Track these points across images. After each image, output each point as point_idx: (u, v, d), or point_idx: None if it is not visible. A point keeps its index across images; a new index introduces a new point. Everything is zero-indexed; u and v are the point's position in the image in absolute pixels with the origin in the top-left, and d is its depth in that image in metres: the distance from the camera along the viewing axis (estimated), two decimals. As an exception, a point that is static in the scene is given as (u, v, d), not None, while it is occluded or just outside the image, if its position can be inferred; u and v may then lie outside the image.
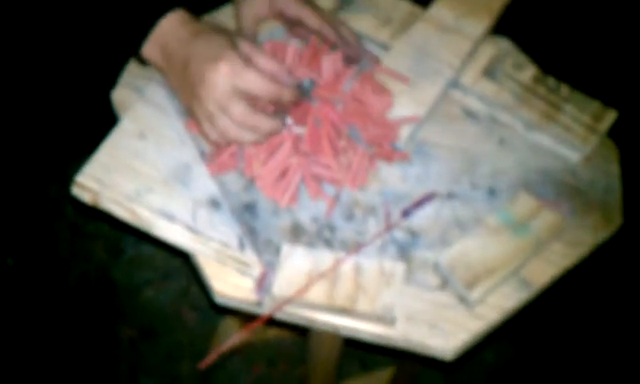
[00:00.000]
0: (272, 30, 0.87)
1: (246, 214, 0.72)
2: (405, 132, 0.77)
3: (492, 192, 0.75)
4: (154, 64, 0.74)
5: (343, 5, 0.90)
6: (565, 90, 0.81)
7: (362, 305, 0.64)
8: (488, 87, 0.82)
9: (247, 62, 0.69)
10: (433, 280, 0.69)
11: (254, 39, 0.84)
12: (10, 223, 1.53)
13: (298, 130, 0.75)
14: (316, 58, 0.80)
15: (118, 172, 0.70)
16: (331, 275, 0.66)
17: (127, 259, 1.53)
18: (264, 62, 0.71)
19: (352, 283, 0.65)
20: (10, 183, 1.55)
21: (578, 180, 0.76)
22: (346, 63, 0.81)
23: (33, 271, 1.48)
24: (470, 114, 0.82)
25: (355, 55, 0.82)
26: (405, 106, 0.79)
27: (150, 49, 0.73)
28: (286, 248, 0.68)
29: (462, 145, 0.79)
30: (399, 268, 0.66)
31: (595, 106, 0.79)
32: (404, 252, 0.70)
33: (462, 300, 0.67)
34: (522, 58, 0.84)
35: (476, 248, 0.68)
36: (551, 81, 0.81)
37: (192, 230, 0.68)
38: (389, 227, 0.72)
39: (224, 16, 0.90)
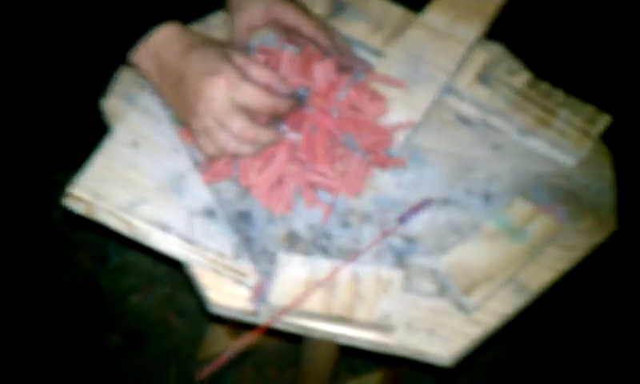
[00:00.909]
0: (263, 37, 0.87)
1: (241, 222, 0.72)
2: (400, 138, 0.77)
3: (487, 197, 0.75)
4: (144, 74, 0.74)
5: (336, 11, 0.90)
6: (558, 94, 0.81)
7: (360, 313, 0.64)
8: (482, 93, 0.82)
9: (243, 74, 0.68)
10: (430, 287, 0.68)
11: (245, 48, 0.83)
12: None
13: (293, 136, 0.75)
14: (309, 65, 0.80)
15: (111, 182, 0.69)
16: (328, 284, 0.66)
17: (113, 266, 1.52)
18: (259, 73, 0.71)
19: (349, 291, 0.65)
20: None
21: (573, 184, 0.77)
22: (339, 71, 0.81)
23: (19, 279, 1.46)
24: (463, 120, 0.82)
25: (348, 63, 0.82)
26: (399, 112, 0.79)
27: (141, 58, 0.72)
28: (282, 256, 0.67)
29: (456, 150, 0.79)
30: (397, 275, 0.66)
31: (589, 110, 0.80)
32: (401, 259, 0.70)
33: (460, 306, 0.67)
34: (515, 63, 0.85)
35: (473, 254, 0.68)
36: (545, 86, 0.82)
37: (187, 239, 0.67)
38: (385, 234, 0.71)
39: (216, 20, 0.90)
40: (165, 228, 0.67)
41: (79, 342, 1.40)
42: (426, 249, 0.71)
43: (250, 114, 0.69)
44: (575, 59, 1.80)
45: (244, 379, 1.37)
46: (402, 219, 0.72)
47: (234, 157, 0.73)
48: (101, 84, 0.82)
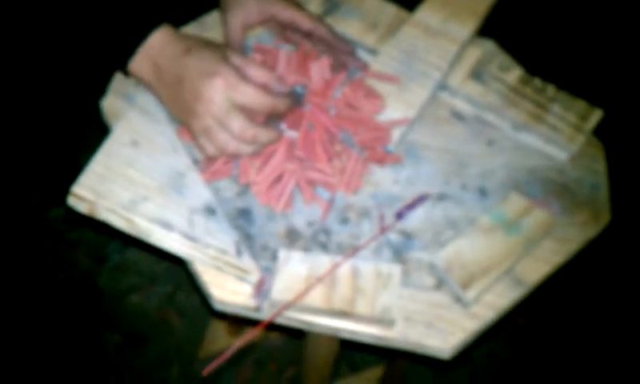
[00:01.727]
0: (259, 35, 0.88)
1: (242, 220, 0.73)
2: (396, 134, 0.78)
3: (482, 192, 0.77)
4: (142, 79, 0.74)
5: (330, 9, 0.90)
6: (551, 90, 0.82)
7: (361, 307, 0.65)
8: (475, 89, 0.83)
9: (240, 75, 0.69)
10: (428, 281, 0.70)
11: (242, 49, 0.84)
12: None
13: (292, 134, 0.76)
14: (305, 63, 0.81)
15: (113, 181, 0.70)
16: (329, 279, 0.67)
17: (112, 265, 1.53)
18: (256, 73, 0.72)
19: (350, 286, 0.66)
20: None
21: (566, 178, 0.78)
22: (334, 69, 0.82)
23: (16, 279, 1.46)
24: (458, 116, 0.83)
25: (347, 55, 0.82)
26: (395, 108, 0.80)
27: (139, 65, 0.72)
28: (283, 253, 0.68)
29: (451, 146, 0.80)
30: (396, 270, 0.67)
31: (581, 105, 0.81)
32: (399, 254, 0.71)
33: (458, 300, 0.68)
34: (507, 59, 0.86)
35: (470, 248, 0.69)
36: (537, 81, 0.83)
37: (189, 237, 0.68)
38: (383, 230, 0.72)
39: (212, 19, 0.90)
40: (166, 226, 0.68)
41: (79, 341, 1.40)
42: (424, 243, 0.72)
43: (248, 113, 0.70)
44: (565, 53, 1.82)
45: (245, 376, 1.38)
46: (400, 215, 0.74)
47: (234, 156, 0.73)
48: (97, 86, 0.82)
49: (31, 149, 1.54)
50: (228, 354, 0.63)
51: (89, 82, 0.85)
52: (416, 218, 0.74)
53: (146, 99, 0.78)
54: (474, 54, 0.86)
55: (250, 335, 0.65)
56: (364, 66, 0.83)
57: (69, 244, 1.53)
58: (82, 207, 0.68)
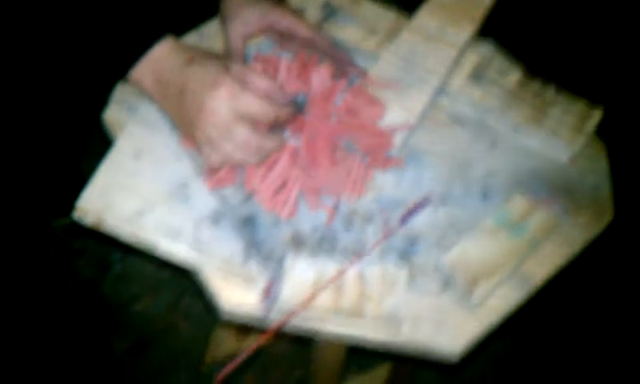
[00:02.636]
0: (259, 44, 0.88)
1: (247, 227, 0.73)
2: (398, 139, 0.79)
3: (485, 194, 0.77)
4: (145, 90, 0.74)
5: (328, 16, 0.91)
6: (550, 91, 0.83)
7: (368, 311, 0.65)
8: (475, 92, 0.84)
9: (243, 85, 0.69)
10: (434, 283, 0.70)
11: (242, 58, 0.85)
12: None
13: (295, 142, 0.76)
14: (305, 70, 0.81)
15: (118, 193, 0.70)
16: (336, 284, 0.67)
17: (115, 274, 1.53)
18: (258, 82, 0.72)
19: (357, 291, 0.67)
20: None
21: (568, 179, 0.79)
22: (335, 77, 0.82)
23: (21, 291, 1.46)
24: (458, 120, 0.84)
25: (345, 63, 0.83)
26: (396, 114, 0.80)
27: (141, 76, 0.73)
28: (289, 259, 0.69)
29: (452, 149, 0.81)
30: (402, 273, 0.68)
31: (581, 105, 0.82)
32: (404, 257, 0.72)
33: (464, 301, 0.68)
34: (506, 61, 0.87)
35: (475, 250, 0.70)
36: (536, 83, 0.84)
37: (196, 246, 0.68)
38: (387, 234, 0.73)
39: (211, 29, 0.91)
40: (173, 236, 0.69)
41: (87, 349, 1.41)
42: (428, 246, 0.73)
43: (252, 123, 0.71)
44: (567, 51, 1.83)
45: (250, 383, 1.38)
46: (404, 219, 0.74)
47: (239, 165, 0.74)
48: (100, 96, 0.82)
49: (35, 158, 1.54)
50: (242, 357, 0.63)
51: (91, 92, 0.85)
52: (420, 222, 0.75)
53: (147, 109, 0.79)
54: (473, 58, 0.86)
55: (262, 339, 0.66)
56: (362, 73, 0.84)
57: (74, 253, 1.53)
58: (87, 221, 0.68)
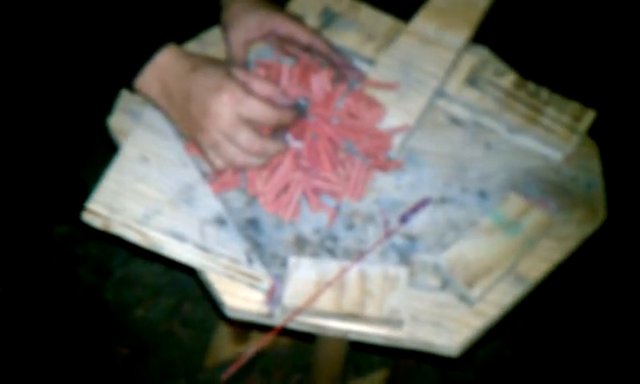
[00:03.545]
0: (259, 50, 0.90)
1: (251, 229, 0.75)
2: (396, 141, 0.81)
3: (482, 194, 0.79)
4: (149, 98, 0.76)
5: (327, 22, 0.93)
6: (544, 93, 0.85)
7: (370, 309, 0.67)
8: (471, 95, 0.86)
9: (246, 89, 0.71)
10: (434, 281, 0.72)
11: (244, 64, 0.87)
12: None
13: (297, 145, 0.78)
14: (306, 75, 0.83)
15: (125, 196, 0.72)
16: (338, 283, 0.69)
17: (116, 279, 1.54)
18: (261, 87, 0.74)
19: (359, 289, 0.69)
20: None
21: (562, 178, 0.81)
22: (335, 81, 0.84)
23: (22, 297, 1.48)
24: (455, 121, 0.86)
25: (345, 67, 0.85)
26: (394, 116, 0.82)
27: (146, 83, 0.75)
28: (292, 260, 0.71)
29: (450, 151, 0.83)
30: (403, 272, 0.70)
31: (574, 107, 0.84)
32: (404, 256, 0.74)
33: (463, 299, 0.70)
34: (500, 65, 0.89)
35: (472, 248, 0.72)
36: (531, 85, 0.86)
37: (201, 248, 0.70)
38: (388, 234, 0.75)
39: (211, 37, 0.93)
40: (179, 237, 0.70)
41: (88, 355, 1.42)
42: (427, 246, 0.75)
43: (255, 126, 0.73)
44: (558, 57, 1.85)
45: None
46: (403, 219, 0.76)
47: (242, 168, 0.76)
48: (101, 105, 0.84)
49: (37, 165, 1.55)
50: (245, 357, 0.65)
51: (94, 100, 0.86)
52: (419, 222, 0.77)
53: (152, 116, 0.81)
54: (469, 61, 0.88)
55: (265, 340, 0.67)
56: (362, 77, 0.86)
57: (74, 260, 1.55)
58: (96, 223, 0.70)
